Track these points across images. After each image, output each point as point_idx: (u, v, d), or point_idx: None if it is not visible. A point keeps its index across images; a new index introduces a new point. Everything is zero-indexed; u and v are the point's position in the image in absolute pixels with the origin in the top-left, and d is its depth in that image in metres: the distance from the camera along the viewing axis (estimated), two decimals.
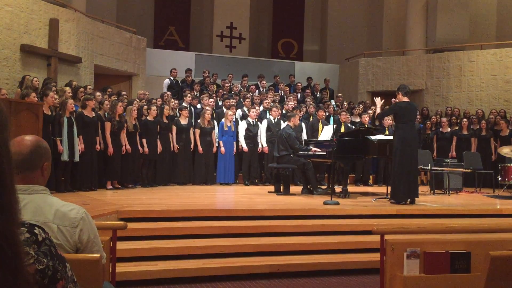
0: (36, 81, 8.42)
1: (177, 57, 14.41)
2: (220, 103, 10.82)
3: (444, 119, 11.14)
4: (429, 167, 8.77)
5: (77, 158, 7.39)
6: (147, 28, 15.59)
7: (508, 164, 8.71)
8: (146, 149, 8.56)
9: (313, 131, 9.82)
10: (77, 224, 1.92)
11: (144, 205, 5.82)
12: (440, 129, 11.05)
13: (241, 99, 11.01)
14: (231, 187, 9.20)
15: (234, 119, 9.79)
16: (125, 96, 9.91)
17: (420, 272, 3.09)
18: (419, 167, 8.14)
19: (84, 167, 7.60)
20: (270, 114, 9.86)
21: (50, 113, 7.15)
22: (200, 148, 9.36)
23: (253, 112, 9.77)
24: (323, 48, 18.07)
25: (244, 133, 9.66)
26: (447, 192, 8.77)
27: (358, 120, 10.77)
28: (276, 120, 9.69)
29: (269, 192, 8.19)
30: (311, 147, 7.91)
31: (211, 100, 10.22)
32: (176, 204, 6.10)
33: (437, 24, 14.31)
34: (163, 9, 16.19)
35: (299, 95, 12.66)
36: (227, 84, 12.08)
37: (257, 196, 7.56)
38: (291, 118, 8.22)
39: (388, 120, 9.84)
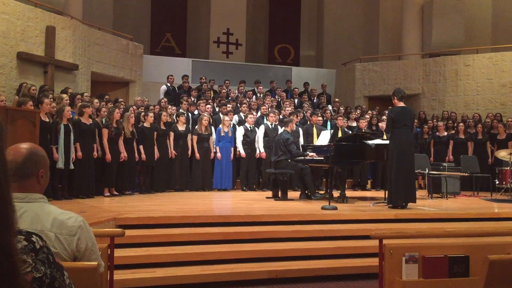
0: (33, 90, 8.40)
1: (174, 64, 14.43)
2: (217, 109, 10.83)
3: (440, 123, 11.16)
4: (427, 171, 8.78)
5: (71, 166, 7.37)
6: (144, 35, 15.62)
7: (505, 168, 8.73)
8: (143, 156, 8.55)
9: (308, 136, 9.82)
10: (75, 232, 1.91)
11: (142, 212, 5.81)
12: (437, 133, 11.07)
13: (238, 105, 11.02)
14: (229, 193, 9.18)
15: (231, 125, 9.80)
16: (122, 102, 9.90)
17: (419, 277, 3.09)
18: (416, 171, 8.15)
19: (82, 175, 7.57)
20: (267, 120, 9.87)
21: (47, 120, 7.14)
22: (197, 155, 9.36)
23: (250, 117, 9.78)
24: (319, 53, 18.12)
25: (241, 138, 9.67)
26: (445, 196, 8.77)
27: (355, 124, 10.79)
28: (273, 126, 9.70)
29: (267, 197, 8.18)
30: (308, 152, 7.92)
31: (208, 106, 10.23)
32: (173, 211, 6.08)
33: (433, 28, 14.37)
34: (159, 15, 16.22)
35: (296, 100, 12.68)
36: (224, 90, 12.09)
37: (255, 202, 7.55)
38: (289, 123, 8.23)
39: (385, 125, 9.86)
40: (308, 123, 10.30)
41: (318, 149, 7.82)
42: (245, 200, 7.79)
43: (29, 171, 1.85)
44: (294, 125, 8.70)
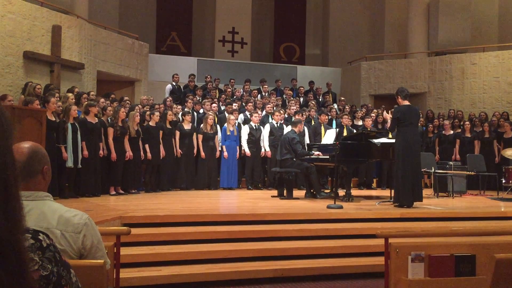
0: (38, 88, 8.44)
1: (179, 63, 14.44)
2: (222, 108, 10.84)
3: (446, 122, 11.12)
4: (433, 170, 8.74)
5: (80, 164, 7.40)
6: (149, 34, 15.65)
7: None
8: (149, 155, 8.57)
9: (316, 135, 9.83)
10: (80, 229, 1.93)
11: (148, 211, 5.82)
12: (443, 131, 11.02)
13: (244, 104, 11.02)
14: (234, 192, 9.19)
15: (236, 124, 9.80)
16: (127, 101, 9.93)
17: (425, 276, 3.08)
18: (422, 170, 8.13)
19: (88, 173, 7.60)
20: (272, 119, 9.87)
21: (54, 119, 7.16)
22: (202, 153, 9.37)
23: (255, 116, 9.78)
24: (325, 52, 18.09)
25: (246, 137, 9.67)
26: (451, 195, 8.74)
27: (360, 123, 10.76)
28: (278, 124, 9.69)
29: (272, 196, 8.18)
30: (313, 151, 7.91)
31: (213, 105, 10.24)
32: (179, 209, 6.09)
33: (439, 27, 14.30)
34: (165, 14, 16.24)
35: (301, 99, 12.67)
36: (229, 89, 12.09)
37: (261, 201, 7.56)
38: (297, 124, 8.22)
39: None
40: (313, 122, 10.29)
41: (324, 148, 7.81)
42: (250, 199, 7.79)
43: (34, 169, 1.87)
44: (303, 126, 8.71)
